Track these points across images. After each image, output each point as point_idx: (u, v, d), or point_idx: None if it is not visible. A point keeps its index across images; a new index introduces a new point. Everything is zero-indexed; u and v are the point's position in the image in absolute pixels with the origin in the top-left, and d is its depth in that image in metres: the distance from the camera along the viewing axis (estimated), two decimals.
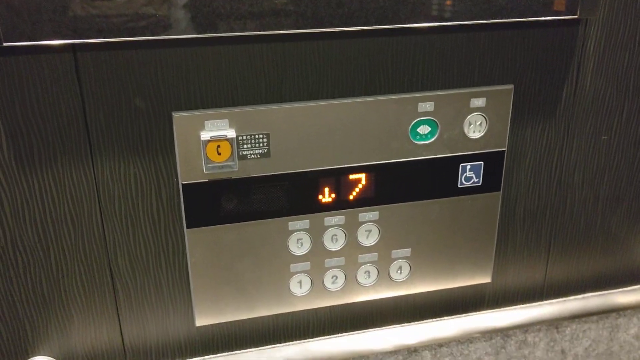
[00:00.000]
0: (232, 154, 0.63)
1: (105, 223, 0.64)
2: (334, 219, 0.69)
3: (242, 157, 0.63)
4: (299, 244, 0.69)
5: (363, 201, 0.69)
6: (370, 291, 0.75)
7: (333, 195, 0.68)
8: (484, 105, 0.68)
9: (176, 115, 0.61)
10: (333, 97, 0.65)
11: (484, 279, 0.78)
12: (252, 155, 0.64)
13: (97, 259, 0.65)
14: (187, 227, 0.65)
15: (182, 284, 0.69)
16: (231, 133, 0.62)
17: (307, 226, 0.68)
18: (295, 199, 0.67)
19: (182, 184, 0.63)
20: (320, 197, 0.67)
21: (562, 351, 0.89)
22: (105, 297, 0.67)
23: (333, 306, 0.75)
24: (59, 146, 0.60)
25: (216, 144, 0.62)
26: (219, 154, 0.62)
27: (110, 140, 0.61)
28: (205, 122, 0.61)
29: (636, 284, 0.87)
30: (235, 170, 0.64)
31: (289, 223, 0.68)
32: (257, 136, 0.63)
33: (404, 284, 0.75)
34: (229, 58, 0.60)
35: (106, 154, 0.61)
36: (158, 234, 0.66)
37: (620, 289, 0.86)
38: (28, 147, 0.59)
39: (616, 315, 0.88)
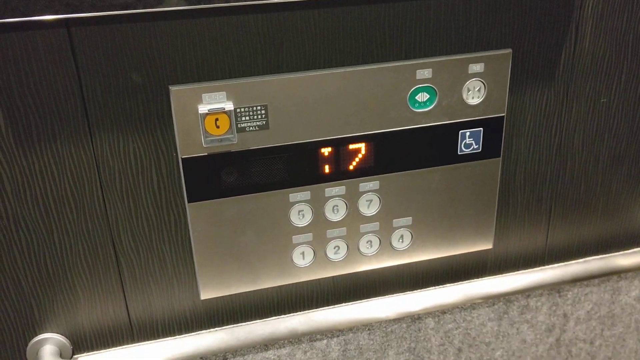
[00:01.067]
0: (230, 126, 0.62)
1: (107, 199, 0.64)
2: (335, 189, 0.69)
3: (241, 130, 0.63)
4: (300, 216, 0.69)
5: (363, 171, 0.69)
6: (373, 261, 0.75)
7: (333, 166, 0.68)
8: (482, 70, 0.67)
9: (173, 88, 0.60)
10: (330, 66, 0.64)
11: (486, 245, 0.79)
12: (251, 128, 0.64)
13: (100, 236, 0.66)
14: (189, 201, 0.65)
15: (185, 258, 0.69)
16: (229, 105, 0.62)
17: (308, 197, 0.69)
18: (296, 171, 0.67)
19: (182, 158, 0.63)
20: (320, 167, 0.67)
21: (564, 315, 0.89)
22: (109, 273, 0.68)
23: (336, 276, 0.76)
24: (57, 123, 0.60)
25: (214, 116, 0.62)
26: (218, 127, 0.62)
27: (108, 116, 0.61)
28: (203, 95, 0.61)
29: (637, 246, 0.88)
30: (235, 142, 0.63)
31: (290, 195, 0.68)
32: (255, 108, 0.63)
33: (406, 253, 0.76)
34: (225, 29, 0.60)
35: (105, 130, 0.61)
36: (160, 208, 0.66)
37: (621, 252, 0.87)
38: (26, 125, 0.59)
39: (617, 278, 0.89)
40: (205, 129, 0.62)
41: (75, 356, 0.70)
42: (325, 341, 0.80)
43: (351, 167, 0.68)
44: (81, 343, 0.70)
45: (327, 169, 0.68)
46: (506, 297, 0.85)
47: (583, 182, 0.80)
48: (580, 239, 0.84)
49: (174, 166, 0.64)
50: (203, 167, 0.64)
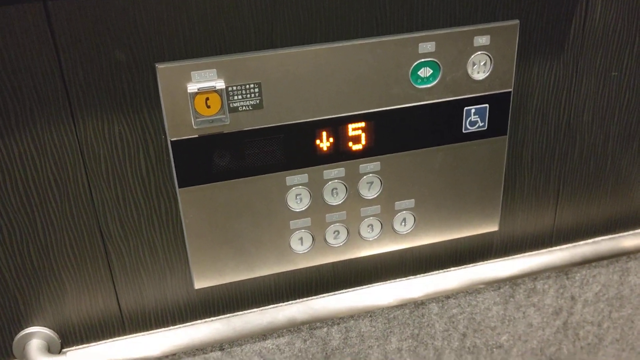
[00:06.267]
0: (222, 106, 0.59)
1: (92, 186, 0.61)
2: (334, 171, 0.66)
3: (233, 110, 0.60)
4: (298, 200, 0.66)
5: (363, 152, 0.66)
6: (374, 245, 0.72)
7: (331, 147, 0.64)
8: (488, 43, 0.64)
9: (160, 66, 0.56)
10: (327, 40, 0.60)
11: (491, 227, 0.76)
12: (244, 107, 0.60)
13: (87, 224, 0.62)
14: (179, 187, 0.62)
15: (177, 246, 0.66)
16: (220, 84, 0.58)
17: (306, 180, 0.65)
18: (292, 152, 0.63)
19: (171, 141, 0.60)
20: (318, 149, 0.64)
21: (572, 297, 0.87)
22: (98, 263, 0.64)
23: (336, 263, 0.73)
24: (37, 106, 0.56)
25: (205, 96, 0.58)
26: (208, 107, 0.59)
27: (91, 97, 0.57)
28: (192, 72, 0.57)
29: None
30: (227, 123, 0.60)
31: (287, 178, 0.64)
32: (248, 86, 0.59)
33: (409, 236, 0.73)
34: (214, 1, 0.56)
35: (88, 112, 0.57)
36: (149, 194, 0.62)
37: (631, 232, 0.84)
38: (3, 108, 0.55)
39: (626, 259, 0.86)
40: (195, 109, 0.58)
41: (64, 350, 0.66)
42: (325, 329, 0.77)
43: (351, 148, 0.65)
44: (70, 336, 0.67)
45: (325, 150, 0.64)
46: (512, 281, 0.82)
47: (592, 160, 0.77)
48: (589, 219, 0.81)
49: (163, 149, 0.61)
50: (194, 150, 0.60)
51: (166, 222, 0.64)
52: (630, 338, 0.95)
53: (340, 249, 0.71)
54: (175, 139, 0.59)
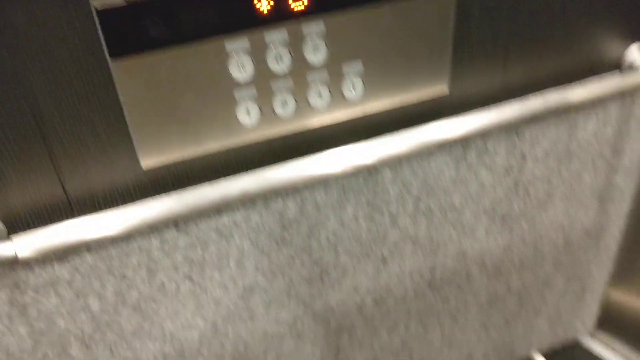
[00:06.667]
0: None
1: (19, 66, 0.56)
2: (276, 34, 0.62)
3: None
4: (240, 68, 0.63)
5: (305, 11, 0.62)
6: (324, 114, 0.70)
7: (271, 7, 0.61)
8: None
9: None
10: None
11: (441, 88, 0.74)
12: None
13: (19, 108, 0.58)
14: (111, 60, 0.58)
15: (119, 125, 0.63)
16: None
17: (247, 45, 0.62)
18: (228, 14, 0.59)
19: (97, 10, 0.55)
20: (256, 9, 0.60)
21: (522, 155, 0.88)
22: (35, 149, 0.61)
23: (287, 136, 0.71)
24: None
25: None
26: None
27: None
28: None
29: (595, 75, 0.85)
30: None
31: (226, 43, 0.61)
32: None
33: (359, 103, 0.71)
34: None
35: None
36: (81, 71, 0.59)
37: (579, 82, 0.83)
38: None
39: (575, 114, 0.87)
40: None
41: (11, 236, 0.65)
42: (280, 201, 0.77)
43: (291, 7, 0.61)
44: (15, 224, 0.65)
45: (263, 10, 0.60)
46: (463, 142, 0.82)
47: (542, 12, 0.75)
48: (537, 73, 0.81)
49: (90, 19, 0.56)
50: (122, 18, 0.56)
51: (104, 101, 0.61)
52: (577, 193, 0.98)
53: (289, 120, 0.69)
54: (100, 7, 0.55)
